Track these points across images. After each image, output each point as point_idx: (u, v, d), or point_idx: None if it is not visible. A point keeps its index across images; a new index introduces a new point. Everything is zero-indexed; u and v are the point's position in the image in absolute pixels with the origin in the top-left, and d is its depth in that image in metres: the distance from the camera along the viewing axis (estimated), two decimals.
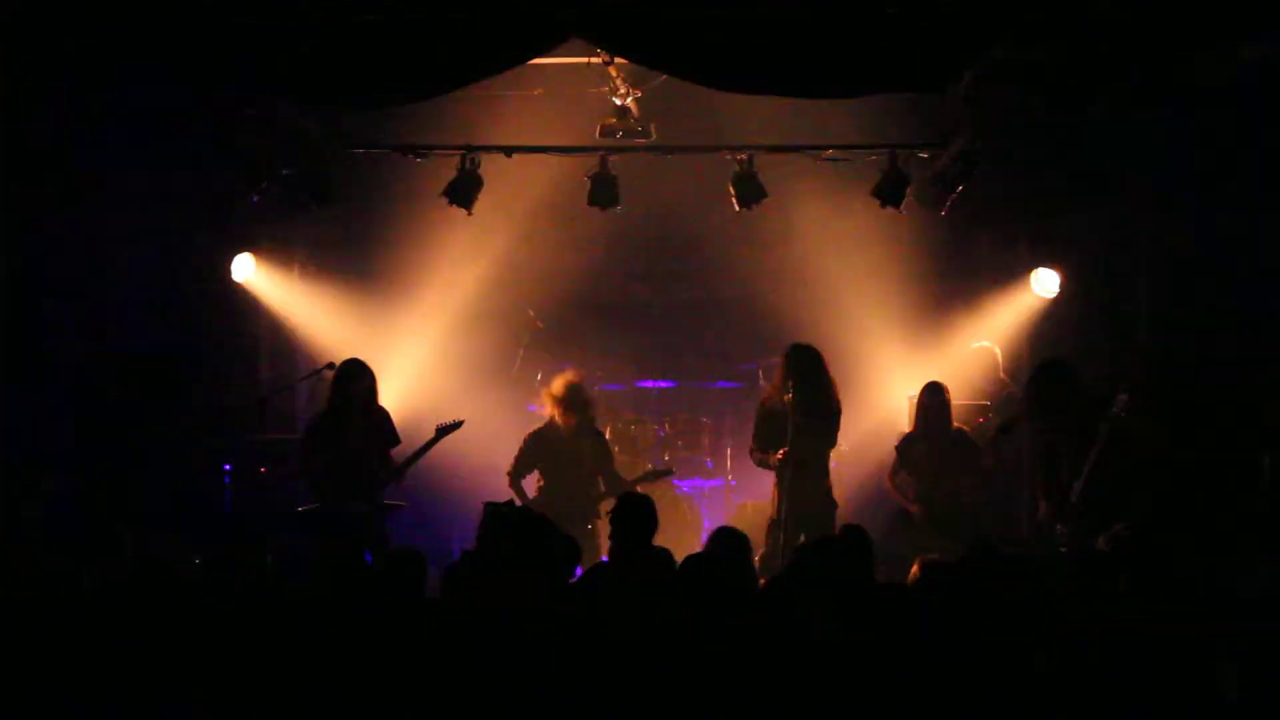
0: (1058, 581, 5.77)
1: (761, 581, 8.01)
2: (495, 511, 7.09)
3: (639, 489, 9.44)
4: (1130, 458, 8.79)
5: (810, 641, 5.02)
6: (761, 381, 11.00)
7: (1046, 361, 9.13)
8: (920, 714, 4.84)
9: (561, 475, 9.28)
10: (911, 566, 6.60)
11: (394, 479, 8.79)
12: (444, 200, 9.70)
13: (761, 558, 8.41)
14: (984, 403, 10.23)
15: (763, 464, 8.91)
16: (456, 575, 6.66)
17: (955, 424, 9.15)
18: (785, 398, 8.70)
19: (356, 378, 8.76)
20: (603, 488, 9.22)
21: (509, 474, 9.33)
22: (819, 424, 8.72)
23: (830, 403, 8.80)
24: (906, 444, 9.21)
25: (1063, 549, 7.96)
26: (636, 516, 6.81)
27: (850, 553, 6.36)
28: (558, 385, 9.42)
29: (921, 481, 9.06)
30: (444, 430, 8.87)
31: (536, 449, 9.38)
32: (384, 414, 8.91)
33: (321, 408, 8.98)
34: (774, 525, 8.72)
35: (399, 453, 8.90)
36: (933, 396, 9.12)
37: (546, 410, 9.43)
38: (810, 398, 8.67)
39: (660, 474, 9.84)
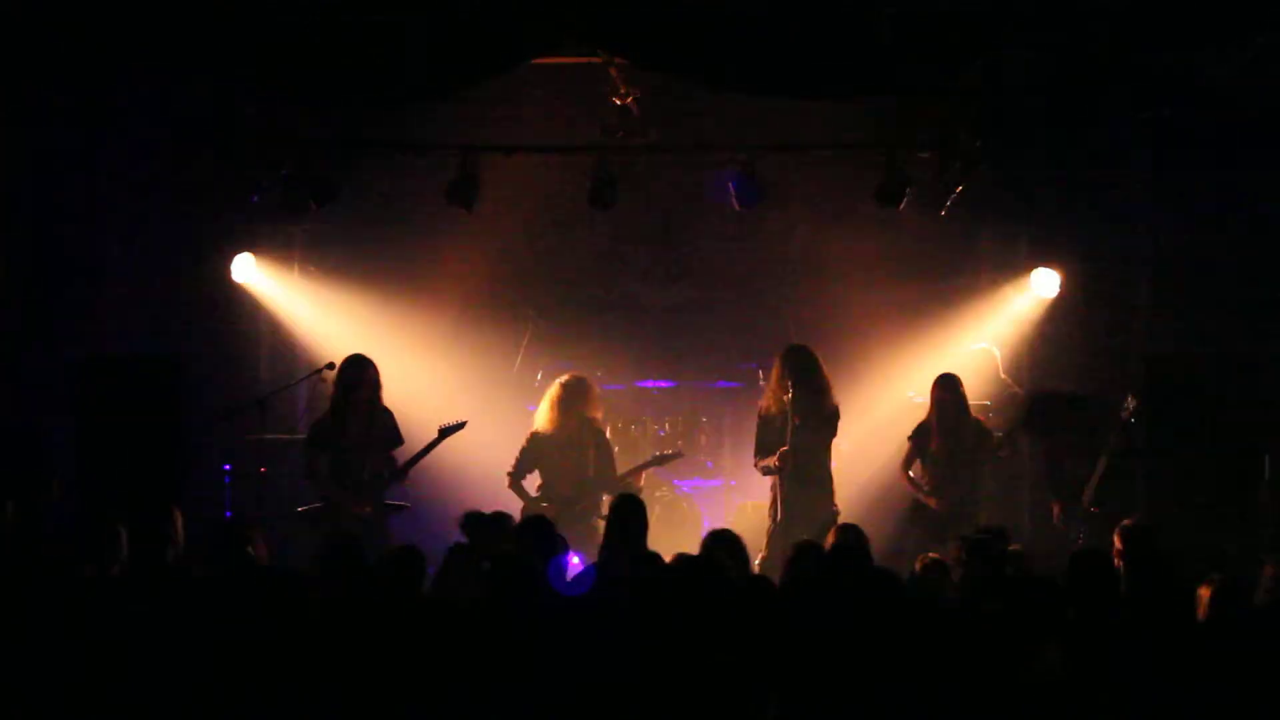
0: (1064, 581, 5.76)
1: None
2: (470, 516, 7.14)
3: (645, 475, 9.47)
4: (1136, 459, 8.83)
5: (808, 640, 5.01)
6: (761, 382, 11.01)
7: (1042, 394, 9.14)
8: (920, 713, 4.84)
9: (562, 474, 9.26)
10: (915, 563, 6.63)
11: (397, 479, 8.79)
12: (444, 200, 9.70)
13: (762, 565, 8.40)
14: (984, 402, 10.23)
15: (768, 471, 8.88)
16: (449, 573, 6.68)
17: (974, 415, 9.15)
18: (785, 397, 8.70)
19: (360, 371, 8.74)
20: (604, 486, 9.18)
21: (509, 474, 9.31)
22: (817, 424, 8.72)
23: (827, 404, 8.80)
24: (921, 435, 9.13)
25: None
26: (629, 517, 6.81)
27: (847, 553, 6.38)
28: (552, 387, 9.41)
29: (937, 473, 9.02)
30: (446, 431, 8.87)
31: (537, 448, 9.36)
32: (388, 414, 8.89)
33: (325, 406, 8.97)
34: (774, 534, 8.70)
35: (401, 454, 8.89)
36: (947, 390, 9.06)
37: (549, 418, 9.35)
38: (808, 399, 8.67)
39: (668, 458, 9.79)
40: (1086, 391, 9.21)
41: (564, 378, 9.40)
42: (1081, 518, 8.63)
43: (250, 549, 6.61)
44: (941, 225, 10.16)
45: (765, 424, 8.95)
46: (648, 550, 6.73)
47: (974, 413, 9.29)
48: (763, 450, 8.91)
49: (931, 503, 8.93)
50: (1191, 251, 9.88)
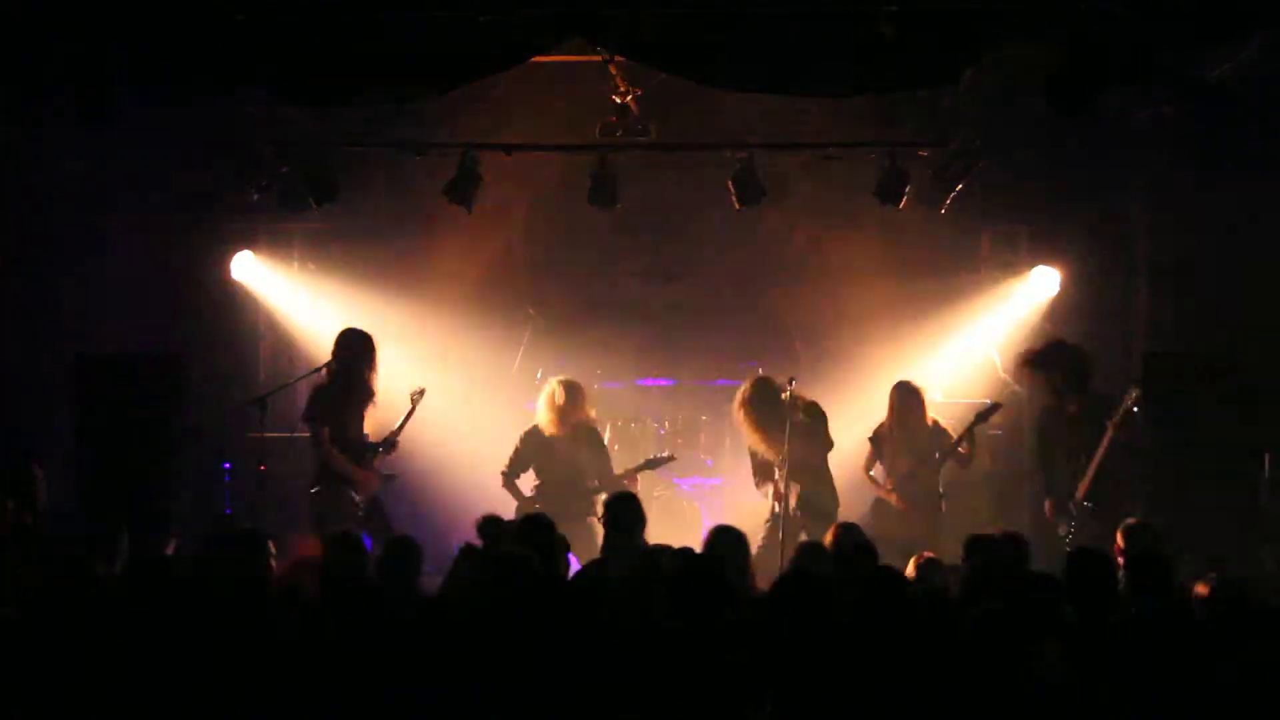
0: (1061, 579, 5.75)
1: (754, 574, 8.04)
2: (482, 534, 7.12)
3: (640, 476, 9.46)
4: (1134, 458, 8.82)
5: (809, 639, 5.01)
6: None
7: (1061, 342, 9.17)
8: (920, 713, 4.84)
9: (557, 473, 9.26)
10: (908, 563, 6.64)
11: (388, 450, 8.86)
12: (444, 198, 9.70)
13: (758, 551, 8.41)
14: (984, 402, 10.22)
15: (765, 482, 8.98)
16: (458, 574, 6.68)
17: (930, 418, 9.20)
18: (761, 447, 8.84)
19: (369, 341, 8.79)
20: (599, 484, 9.18)
21: (504, 473, 9.31)
22: (801, 455, 8.77)
23: (803, 433, 8.80)
24: (880, 437, 9.29)
25: (1068, 548, 7.96)
26: (624, 514, 6.81)
27: (847, 551, 6.38)
28: (550, 388, 9.41)
29: (897, 473, 9.16)
30: (417, 397, 8.97)
31: (531, 448, 9.36)
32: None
33: (323, 376, 8.89)
34: (774, 520, 8.73)
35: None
36: (904, 394, 9.19)
37: (549, 419, 9.35)
38: (777, 437, 8.78)
39: (660, 461, 9.78)
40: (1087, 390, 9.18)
41: (560, 380, 9.39)
42: (1075, 513, 8.62)
43: (270, 561, 6.56)
44: (941, 224, 10.16)
45: (752, 455, 9.08)
46: (646, 548, 6.73)
47: (974, 413, 9.31)
48: (759, 474, 9.03)
49: (893, 499, 9.07)
50: (1191, 250, 9.88)
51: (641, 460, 9.74)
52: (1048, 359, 8.91)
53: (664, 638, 5.13)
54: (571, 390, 9.30)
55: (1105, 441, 8.53)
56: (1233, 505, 8.83)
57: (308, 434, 8.84)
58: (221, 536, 7.05)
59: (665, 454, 9.94)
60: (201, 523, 9.25)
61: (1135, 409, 8.59)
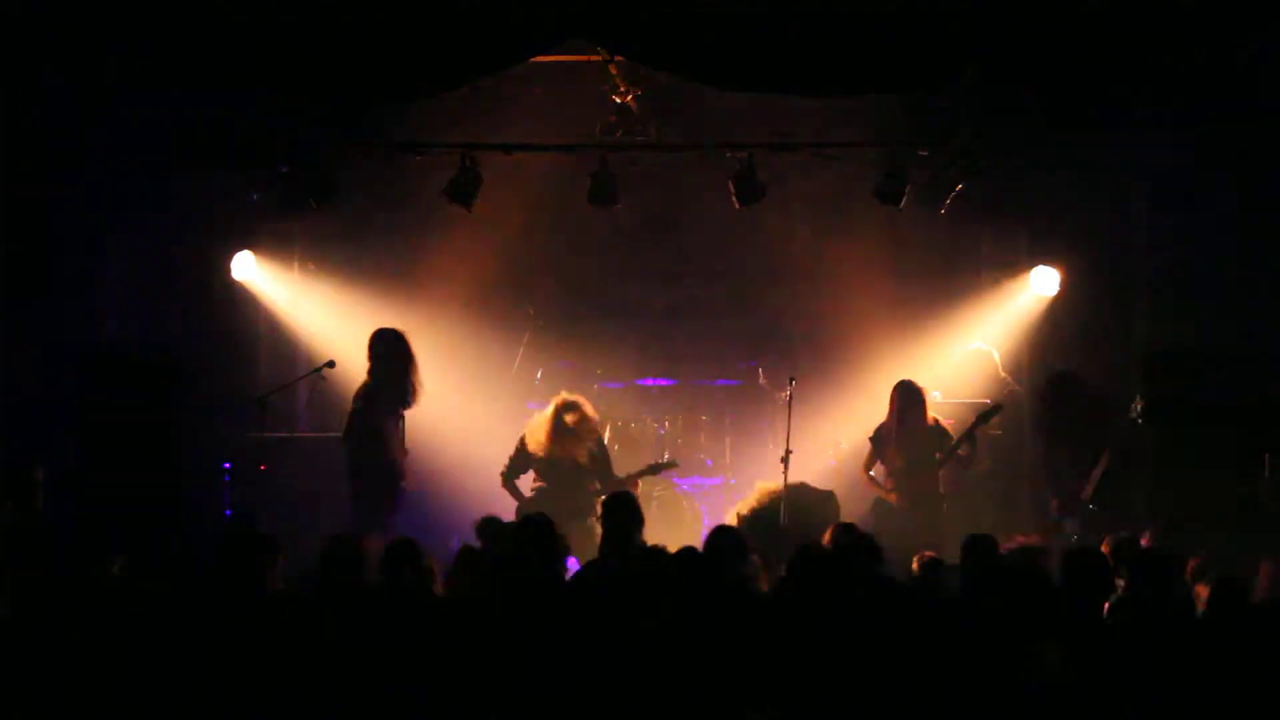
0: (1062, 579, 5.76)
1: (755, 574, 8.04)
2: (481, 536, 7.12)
3: (641, 482, 9.45)
4: (1139, 458, 8.84)
5: (809, 639, 5.02)
6: (761, 381, 11.06)
7: (1058, 376, 9.16)
8: (920, 713, 4.84)
9: (557, 474, 9.24)
10: (910, 562, 6.64)
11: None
12: (444, 198, 9.70)
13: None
14: (984, 401, 10.23)
15: None
16: (457, 575, 6.68)
17: (931, 417, 9.21)
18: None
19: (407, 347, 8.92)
20: (599, 486, 9.16)
21: (503, 474, 9.30)
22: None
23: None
24: (880, 437, 9.29)
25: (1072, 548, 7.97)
26: (621, 515, 6.81)
27: (848, 551, 6.37)
28: (549, 410, 9.37)
29: (897, 473, 9.17)
30: None
31: (529, 452, 9.33)
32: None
33: (381, 373, 8.97)
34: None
35: None
36: (906, 395, 9.18)
37: (543, 439, 9.32)
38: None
39: (663, 467, 9.77)
40: (1087, 388, 9.20)
41: (562, 402, 9.29)
42: (1080, 515, 8.64)
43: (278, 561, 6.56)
44: (941, 224, 10.16)
45: None
46: (645, 548, 6.73)
47: (974, 412, 9.32)
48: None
49: (893, 499, 9.09)
50: (1191, 249, 9.88)
51: (644, 465, 9.73)
52: (1060, 398, 8.95)
53: (664, 638, 5.13)
54: (568, 416, 9.18)
55: (1108, 451, 8.57)
56: (1233, 505, 8.83)
57: (338, 436, 8.95)
58: (233, 539, 7.06)
59: (667, 458, 9.94)
60: (201, 523, 9.26)
61: (1139, 420, 8.63)
